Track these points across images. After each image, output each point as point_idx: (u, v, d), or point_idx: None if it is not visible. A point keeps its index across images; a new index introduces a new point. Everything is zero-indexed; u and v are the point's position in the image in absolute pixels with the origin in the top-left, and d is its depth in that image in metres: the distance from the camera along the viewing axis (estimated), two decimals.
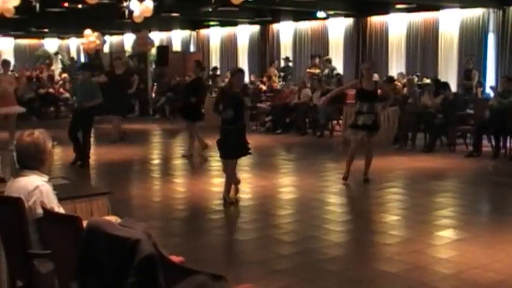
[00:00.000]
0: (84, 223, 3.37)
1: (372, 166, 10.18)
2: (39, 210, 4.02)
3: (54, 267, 3.92)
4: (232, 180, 8.74)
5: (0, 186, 4.82)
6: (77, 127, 11.59)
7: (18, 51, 31.96)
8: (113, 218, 3.87)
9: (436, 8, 18.52)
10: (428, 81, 16.56)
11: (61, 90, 21.62)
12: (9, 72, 14.81)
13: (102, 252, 3.04)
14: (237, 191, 8.91)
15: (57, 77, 24.44)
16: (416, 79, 16.92)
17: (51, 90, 21.22)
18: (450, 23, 18.40)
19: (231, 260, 6.43)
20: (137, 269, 2.78)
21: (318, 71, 19.30)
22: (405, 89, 15.61)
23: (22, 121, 15.55)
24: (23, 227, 4.04)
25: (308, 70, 19.79)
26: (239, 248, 6.82)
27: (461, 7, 17.97)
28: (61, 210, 4.13)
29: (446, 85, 14.21)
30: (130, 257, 2.81)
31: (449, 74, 18.20)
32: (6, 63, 14.45)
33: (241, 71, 9.22)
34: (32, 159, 4.18)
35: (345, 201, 9.08)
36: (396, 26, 19.84)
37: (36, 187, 4.09)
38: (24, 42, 32.10)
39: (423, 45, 19.22)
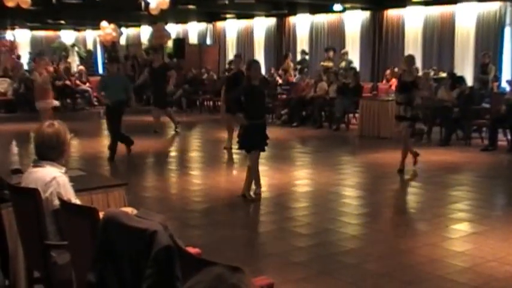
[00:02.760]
0: (101, 214, 3.39)
1: (387, 159, 10.17)
2: (56, 202, 4.04)
3: (71, 258, 3.95)
4: (255, 174, 8.65)
5: (18, 177, 4.86)
6: (114, 122, 11.61)
7: (34, 43, 32.08)
8: (129, 210, 3.88)
9: (453, 2, 18.38)
10: (444, 75, 16.46)
11: (77, 82, 21.72)
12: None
13: (119, 243, 3.05)
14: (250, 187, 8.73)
15: (74, 69, 24.56)
16: (432, 73, 16.81)
17: (67, 82, 21.31)
18: (467, 17, 18.24)
19: (247, 252, 6.44)
20: (154, 261, 2.79)
21: (331, 64, 19.22)
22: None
23: (38, 113, 15.65)
24: (40, 218, 4.06)
25: (322, 63, 19.72)
26: (256, 240, 6.84)
27: (478, 1, 17.82)
28: (78, 202, 4.15)
29: (462, 79, 14.14)
30: (147, 249, 2.82)
31: (466, 68, 18.06)
32: (40, 54, 14.23)
33: (257, 62, 9.02)
34: (52, 151, 4.20)
35: (361, 194, 9.05)
36: (413, 19, 19.70)
37: (53, 178, 4.11)
38: (40, 34, 32.20)
39: (439, 39, 19.08)
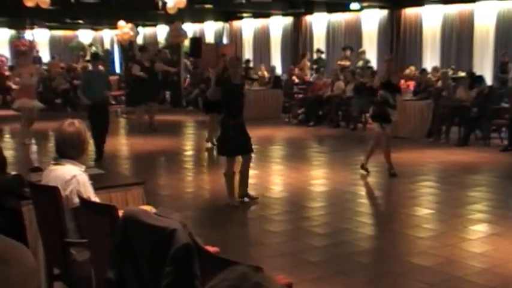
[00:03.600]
0: (120, 212, 3.41)
1: (405, 159, 10.10)
2: (76, 200, 4.07)
3: (90, 255, 3.97)
4: (248, 177, 8.36)
5: (37, 175, 4.90)
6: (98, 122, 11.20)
7: (53, 43, 32.30)
8: (148, 208, 3.90)
9: (472, 0, 18.27)
10: (463, 74, 16.37)
11: None
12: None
13: (138, 241, 3.07)
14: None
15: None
16: (450, 72, 16.73)
17: None
18: (486, 15, 18.11)
19: (263, 251, 6.44)
20: (173, 259, 2.80)
21: (348, 63, 19.16)
22: (439, 82, 15.45)
23: (57, 112, 15.78)
24: (60, 216, 4.09)
25: (339, 62, 19.67)
26: (272, 239, 6.84)
27: None
28: (97, 200, 4.17)
29: (481, 78, 14.04)
30: (166, 247, 2.84)
31: (485, 67, 17.93)
32: (25, 54, 14.25)
33: (236, 59, 8.66)
34: (73, 149, 4.24)
35: (378, 194, 9.03)
36: (431, 18, 19.59)
37: (73, 176, 4.14)
38: (59, 33, 32.41)
39: (458, 38, 18.96)
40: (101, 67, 16.28)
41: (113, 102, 21.37)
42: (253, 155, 8.52)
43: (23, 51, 15.87)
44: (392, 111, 9.77)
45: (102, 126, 11.32)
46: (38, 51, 26.82)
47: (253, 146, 8.38)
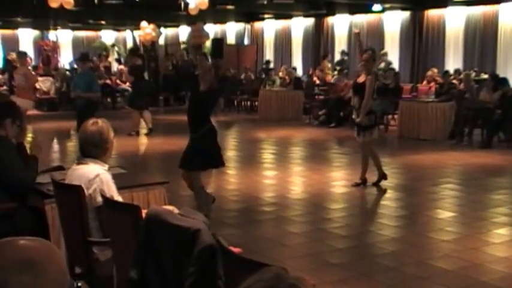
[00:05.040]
0: (143, 212, 3.41)
1: (427, 161, 9.97)
2: (99, 199, 4.08)
3: (112, 254, 3.98)
4: (201, 197, 7.43)
5: (61, 174, 4.92)
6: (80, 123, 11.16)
7: (75, 43, 32.55)
8: (170, 208, 3.89)
9: (497, 1, 18.09)
10: (486, 76, 16.21)
11: (118, 81, 21.95)
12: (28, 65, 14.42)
13: (162, 241, 3.07)
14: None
15: (114, 69, 24.84)
16: (473, 74, 16.58)
17: (108, 81, 21.54)
18: (511, 16, 17.93)
19: (284, 252, 6.41)
20: (197, 259, 2.79)
21: None
22: (462, 84, 15.33)
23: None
24: (83, 215, 4.10)
25: (360, 64, 19.55)
26: (293, 241, 6.80)
27: None
28: (120, 199, 4.18)
29: (505, 80, 13.92)
30: (190, 247, 2.83)
31: (509, 69, 17.75)
32: (20, 54, 14.21)
33: (203, 60, 7.69)
34: (95, 148, 4.25)
35: (400, 196, 8.95)
36: (454, 19, 19.45)
37: (96, 175, 4.15)
38: (81, 34, 32.66)
39: (482, 40, 18.80)
40: (122, 66, 16.39)
41: None
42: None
43: (21, 52, 15.79)
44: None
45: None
46: (47, 52, 26.74)
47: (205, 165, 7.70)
